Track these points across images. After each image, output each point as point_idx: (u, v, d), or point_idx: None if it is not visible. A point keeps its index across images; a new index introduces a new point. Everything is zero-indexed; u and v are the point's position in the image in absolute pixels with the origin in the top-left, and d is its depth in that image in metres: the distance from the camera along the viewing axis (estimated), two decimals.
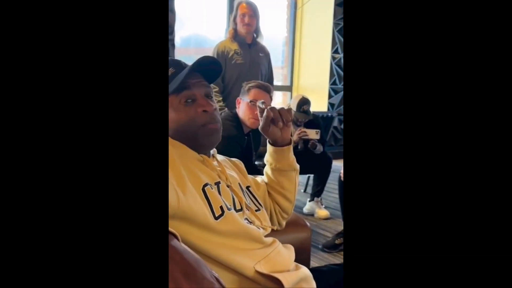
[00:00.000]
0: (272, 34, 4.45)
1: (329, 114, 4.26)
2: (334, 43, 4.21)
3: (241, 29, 2.49)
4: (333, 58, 4.22)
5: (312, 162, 2.51)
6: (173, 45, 3.06)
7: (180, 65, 0.89)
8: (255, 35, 2.57)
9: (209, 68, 0.88)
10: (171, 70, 0.87)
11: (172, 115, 0.85)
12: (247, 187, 0.98)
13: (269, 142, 1.01)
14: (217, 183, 0.83)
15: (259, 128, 0.98)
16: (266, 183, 1.04)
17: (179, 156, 0.80)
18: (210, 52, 2.58)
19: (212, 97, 0.89)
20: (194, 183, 0.77)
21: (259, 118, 0.98)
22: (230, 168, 0.98)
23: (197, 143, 0.85)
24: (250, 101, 1.85)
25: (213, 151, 0.94)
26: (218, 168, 0.89)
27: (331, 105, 4.29)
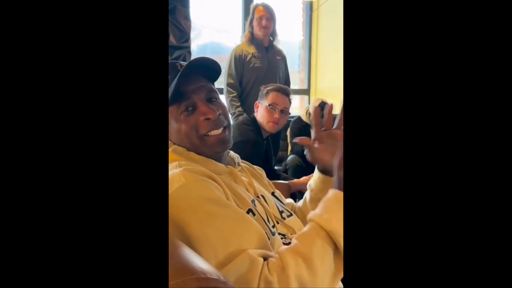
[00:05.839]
0: (288, 38, 4.42)
1: None
2: None
3: (258, 32, 2.48)
4: None
5: None
6: (189, 52, 3.08)
7: (175, 69, 0.79)
8: (271, 38, 2.56)
9: (206, 67, 0.80)
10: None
11: (173, 125, 0.79)
12: (272, 193, 0.93)
13: (317, 167, 0.89)
14: (253, 201, 0.78)
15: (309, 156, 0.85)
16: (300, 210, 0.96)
17: (216, 174, 0.74)
18: (227, 59, 2.57)
19: (215, 99, 0.81)
20: (242, 207, 0.73)
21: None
22: (254, 176, 0.92)
23: (200, 153, 0.79)
24: (269, 105, 1.82)
25: (237, 158, 0.89)
26: (245, 179, 0.83)
27: None
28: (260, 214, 0.75)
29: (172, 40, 2.66)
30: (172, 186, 0.67)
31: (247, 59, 2.47)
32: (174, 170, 0.71)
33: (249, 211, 0.73)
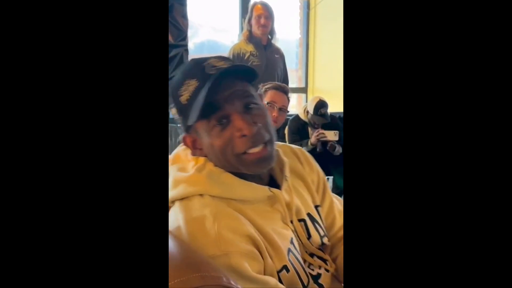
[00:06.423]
0: (285, 36, 4.42)
1: None
2: None
3: (256, 30, 2.47)
4: None
5: (331, 164, 2.45)
6: (187, 50, 3.06)
7: (203, 73, 0.66)
8: (269, 37, 2.55)
9: (240, 72, 0.69)
10: (194, 84, 0.66)
11: (205, 139, 0.68)
12: (316, 207, 0.82)
13: None
14: (292, 241, 0.72)
15: None
16: None
17: (254, 210, 0.69)
18: None
19: (254, 105, 0.67)
20: (278, 263, 0.68)
21: None
22: (300, 182, 0.81)
23: (241, 172, 0.69)
24: (268, 103, 1.82)
25: (286, 164, 0.76)
26: (287, 198, 0.74)
27: None
28: (295, 263, 0.70)
29: (169, 38, 2.65)
30: (207, 249, 0.62)
31: (245, 57, 2.47)
32: (208, 222, 0.64)
33: (284, 268, 0.68)
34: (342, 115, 2.86)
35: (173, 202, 0.70)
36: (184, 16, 3.06)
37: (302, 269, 0.72)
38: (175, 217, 0.68)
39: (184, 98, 0.67)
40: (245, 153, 0.66)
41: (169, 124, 2.45)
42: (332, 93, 4.21)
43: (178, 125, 2.91)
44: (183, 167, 0.73)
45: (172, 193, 0.70)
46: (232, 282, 0.50)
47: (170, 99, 0.70)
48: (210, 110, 0.65)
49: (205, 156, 0.71)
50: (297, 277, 0.70)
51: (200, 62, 0.68)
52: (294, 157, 0.82)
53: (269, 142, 0.68)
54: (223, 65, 0.67)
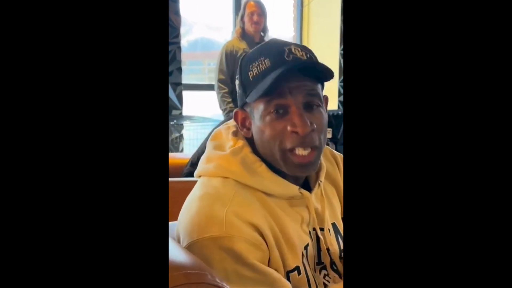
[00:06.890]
0: (279, 34, 4.41)
1: (340, 112, 4.18)
2: (342, 39, 4.15)
3: (249, 28, 2.47)
4: (342, 55, 4.17)
5: None
6: (179, 48, 3.05)
7: (279, 57, 0.64)
8: (262, 34, 2.55)
9: (315, 69, 0.66)
10: (266, 63, 0.65)
11: (256, 122, 0.67)
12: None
13: None
14: (306, 247, 0.71)
15: None
16: None
17: (279, 205, 0.68)
18: (217, 55, 2.56)
19: (316, 106, 0.66)
20: (291, 262, 0.67)
21: None
22: (333, 189, 0.79)
23: (276, 166, 0.68)
24: None
25: (323, 169, 0.74)
26: (317, 206, 0.72)
27: (341, 103, 4.23)
28: (307, 269, 0.69)
29: None
30: (210, 227, 0.63)
31: (238, 54, 2.46)
32: (220, 203, 0.64)
33: (296, 268, 0.67)
34: (335, 113, 2.89)
35: (199, 176, 0.72)
36: (177, 13, 3.05)
37: (313, 278, 0.70)
38: (194, 191, 0.70)
39: (251, 74, 0.66)
40: (291, 151, 0.65)
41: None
42: (325, 90, 4.22)
43: (171, 123, 2.89)
44: (220, 145, 0.72)
45: (201, 167, 0.72)
46: (217, 280, 0.49)
47: (239, 70, 0.70)
48: (272, 95, 0.63)
49: (250, 137, 0.70)
50: (307, 283, 0.69)
51: (280, 45, 0.67)
52: (333, 162, 0.80)
53: (318, 149, 0.66)
54: (302, 56, 0.66)
